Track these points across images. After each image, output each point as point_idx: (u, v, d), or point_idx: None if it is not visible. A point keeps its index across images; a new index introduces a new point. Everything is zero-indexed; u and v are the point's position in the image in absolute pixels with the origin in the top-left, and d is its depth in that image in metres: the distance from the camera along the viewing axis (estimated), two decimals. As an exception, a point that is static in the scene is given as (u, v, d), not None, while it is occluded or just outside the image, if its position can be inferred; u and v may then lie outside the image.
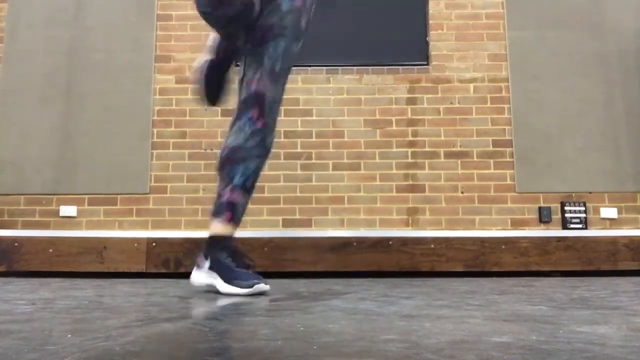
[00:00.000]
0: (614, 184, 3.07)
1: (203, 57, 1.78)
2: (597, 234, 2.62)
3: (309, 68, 3.20)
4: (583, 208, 3.02)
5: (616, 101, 3.15)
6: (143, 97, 3.20)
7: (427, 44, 3.26)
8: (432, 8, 3.28)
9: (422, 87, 3.21)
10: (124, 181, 3.11)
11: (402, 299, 1.43)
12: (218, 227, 1.66)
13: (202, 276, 1.65)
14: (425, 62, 3.23)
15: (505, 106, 3.17)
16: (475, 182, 3.10)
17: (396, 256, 2.51)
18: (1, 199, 3.09)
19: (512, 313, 1.11)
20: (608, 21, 3.23)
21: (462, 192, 3.09)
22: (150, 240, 2.51)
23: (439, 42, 3.25)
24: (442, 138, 3.15)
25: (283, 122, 3.02)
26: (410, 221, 3.07)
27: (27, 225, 3.06)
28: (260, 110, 1.63)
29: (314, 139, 3.16)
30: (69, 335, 0.82)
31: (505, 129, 3.15)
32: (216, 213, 1.67)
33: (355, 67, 3.23)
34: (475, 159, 3.12)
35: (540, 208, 3.05)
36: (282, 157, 3.11)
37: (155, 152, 3.15)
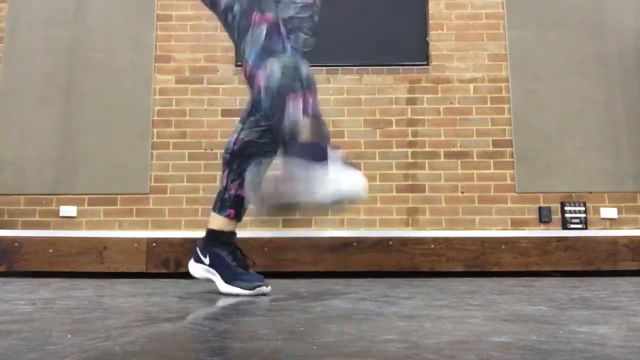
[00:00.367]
0: (614, 184, 3.07)
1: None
2: (597, 234, 2.62)
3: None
4: (583, 208, 3.02)
5: (616, 101, 3.15)
6: (143, 97, 3.20)
7: (427, 44, 3.26)
8: (432, 8, 3.28)
9: (422, 87, 3.21)
10: (124, 181, 3.11)
11: (402, 299, 1.43)
12: (220, 222, 1.63)
13: (200, 270, 1.63)
14: (425, 62, 3.23)
15: (505, 106, 3.17)
16: (475, 182, 3.10)
17: (396, 256, 2.51)
18: (1, 199, 3.09)
19: (512, 313, 1.11)
20: (608, 21, 3.23)
21: (462, 192, 3.09)
22: (150, 240, 2.51)
23: (439, 42, 3.25)
24: (442, 138, 3.15)
25: (283, 122, 3.01)
26: (410, 221, 3.07)
27: (27, 225, 3.06)
28: None
29: (314, 139, 3.15)
30: (69, 335, 0.82)
31: (505, 129, 3.15)
32: (220, 207, 1.63)
33: (355, 67, 3.23)
34: (475, 159, 3.12)
35: (540, 208, 3.05)
36: (282, 157, 3.11)
37: (155, 152, 3.15)
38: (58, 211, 3.08)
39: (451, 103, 3.18)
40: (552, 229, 3.01)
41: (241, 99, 3.12)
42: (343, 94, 3.21)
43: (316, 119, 1.30)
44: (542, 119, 3.14)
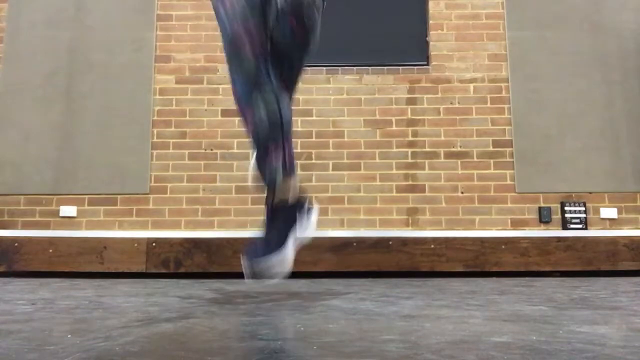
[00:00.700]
0: (614, 184, 3.07)
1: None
2: (597, 234, 2.61)
3: (309, 68, 3.20)
4: (583, 208, 3.02)
5: (616, 101, 3.15)
6: (143, 97, 3.20)
7: (427, 44, 3.26)
8: (432, 8, 3.28)
9: (422, 87, 3.21)
10: (124, 181, 3.11)
11: (402, 299, 1.43)
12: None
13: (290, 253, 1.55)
14: (425, 62, 3.23)
15: (505, 106, 3.17)
16: (475, 182, 3.10)
17: (396, 256, 2.51)
18: (1, 199, 3.09)
19: (512, 313, 1.11)
20: (608, 21, 3.23)
21: (462, 192, 3.09)
22: (150, 240, 2.51)
23: (439, 42, 3.25)
24: (442, 138, 3.15)
25: (283, 122, 3.02)
26: (410, 221, 3.07)
27: (27, 226, 3.06)
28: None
29: (314, 139, 3.16)
30: (69, 335, 0.82)
31: (505, 129, 3.15)
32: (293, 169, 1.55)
33: (355, 67, 3.23)
34: (475, 159, 3.12)
35: (540, 208, 3.05)
36: (282, 157, 3.11)
37: (155, 152, 3.15)
38: (58, 211, 3.08)
39: (451, 103, 3.18)
40: (552, 229, 3.01)
41: (241, 99, 3.12)
42: (343, 94, 3.21)
43: (292, 171, 1.49)
44: (542, 119, 3.14)
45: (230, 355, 0.69)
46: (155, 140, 3.16)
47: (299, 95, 3.18)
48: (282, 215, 1.50)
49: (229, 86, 3.30)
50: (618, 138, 3.11)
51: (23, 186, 3.09)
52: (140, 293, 1.62)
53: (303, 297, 1.50)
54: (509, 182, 3.09)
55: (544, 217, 3.03)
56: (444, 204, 3.08)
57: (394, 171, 3.12)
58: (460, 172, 3.11)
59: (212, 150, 3.13)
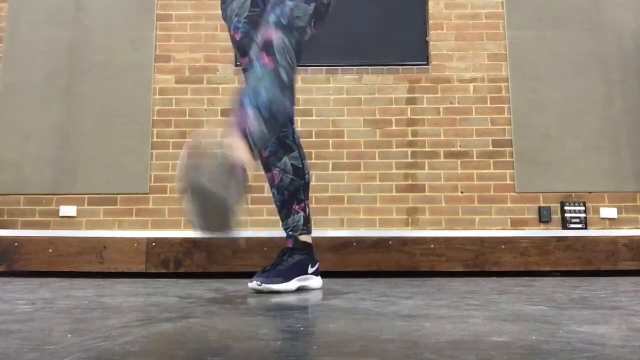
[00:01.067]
0: (614, 184, 3.07)
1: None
2: (597, 234, 2.62)
3: (309, 68, 3.20)
4: (583, 208, 3.02)
5: (616, 101, 3.15)
6: (143, 97, 3.20)
7: (427, 44, 3.26)
8: (432, 8, 3.28)
9: (422, 87, 3.21)
10: (124, 181, 3.11)
11: (402, 299, 1.43)
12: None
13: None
14: (425, 62, 3.23)
15: (505, 106, 3.17)
16: (475, 182, 3.10)
17: (396, 256, 2.51)
18: (1, 199, 3.09)
19: (512, 313, 1.11)
20: (608, 21, 3.23)
21: (462, 192, 3.09)
22: (150, 240, 2.51)
23: (439, 42, 3.25)
24: (442, 138, 3.15)
25: (283, 122, 3.02)
26: (410, 221, 3.07)
27: (27, 226, 3.06)
28: (270, 53, 1.43)
29: (314, 139, 3.16)
30: (69, 335, 0.82)
31: (505, 129, 3.15)
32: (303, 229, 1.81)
33: (355, 67, 3.23)
34: (475, 159, 3.12)
35: (540, 208, 3.05)
36: (282, 157, 3.11)
37: (155, 152, 3.15)
38: (58, 211, 3.08)
39: (451, 103, 3.18)
40: (552, 229, 3.01)
41: (241, 99, 3.12)
42: (343, 94, 3.21)
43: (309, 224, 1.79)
44: (542, 119, 3.14)
45: (230, 355, 0.69)
46: (155, 140, 3.16)
47: (299, 95, 3.18)
48: None
49: (229, 86, 3.31)
50: (618, 138, 3.11)
51: (23, 186, 3.09)
52: (140, 293, 1.62)
53: (303, 297, 1.50)
54: (509, 182, 3.09)
55: (544, 217, 3.03)
56: (444, 204, 3.08)
57: (394, 171, 3.12)
58: (460, 172, 3.11)
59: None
